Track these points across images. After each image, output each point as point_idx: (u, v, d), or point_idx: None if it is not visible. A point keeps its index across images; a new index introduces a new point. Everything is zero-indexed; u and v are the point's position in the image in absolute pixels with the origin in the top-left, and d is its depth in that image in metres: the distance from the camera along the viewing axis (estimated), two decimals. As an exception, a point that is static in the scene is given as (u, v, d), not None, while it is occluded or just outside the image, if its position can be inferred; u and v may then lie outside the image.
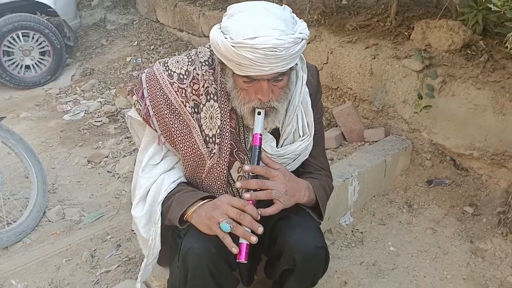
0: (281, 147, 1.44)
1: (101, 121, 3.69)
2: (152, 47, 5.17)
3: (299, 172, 1.51)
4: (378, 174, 2.41)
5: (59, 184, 2.86)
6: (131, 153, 3.14)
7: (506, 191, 2.38)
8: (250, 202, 1.23)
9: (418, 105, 2.57)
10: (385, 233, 2.26)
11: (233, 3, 1.28)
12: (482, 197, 2.42)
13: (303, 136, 1.46)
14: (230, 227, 1.17)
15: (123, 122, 3.72)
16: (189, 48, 4.87)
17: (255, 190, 1.25)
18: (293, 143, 1.44)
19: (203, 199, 1.28)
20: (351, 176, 2.22)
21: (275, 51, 1.15)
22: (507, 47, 2.56)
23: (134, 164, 1.51)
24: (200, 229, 1.23)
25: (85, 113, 3.89)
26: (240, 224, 1.19)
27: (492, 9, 2.04)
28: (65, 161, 3.16)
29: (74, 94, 4.38)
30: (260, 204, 1.25)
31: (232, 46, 1.16)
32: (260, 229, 1.19)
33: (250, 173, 1.27)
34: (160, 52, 5.03)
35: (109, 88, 4.46)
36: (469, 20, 2.59)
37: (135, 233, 2.35)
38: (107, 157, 3.11)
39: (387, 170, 2.44)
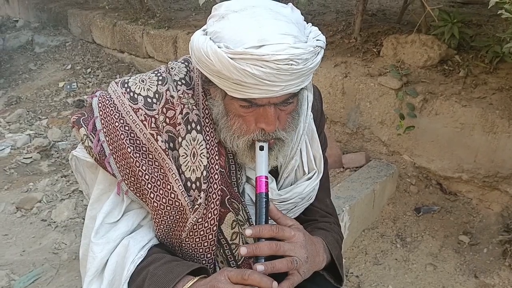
0: (280, 189, 1.10)
1: (31, 157, 3.18)
2: (88, 70, 4.67)
3: (301, 220, 1.16)
4: (367, 206, 2.13)
5: (-21, 240, 2.32)
6: (70, 196, 2.64)
7: (501, 216, 2.19)
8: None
9: (401, 126, 2.35)
10: (382, 274, 1.97)
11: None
12: (476, 224, 2.21)
13: (308, 173, 1.13)
14: None
15: (58, 157, 3.20)
16: (132, 71, 4.41)
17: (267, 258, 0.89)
18: (294, 183, 1.11)
19: (193, 273, 0.90)
20: (342, 211, 1.91)
21: (292, 64, 0.82)
22: (483, 61, 2.45)
23: (83, 221, 1.09)
24: None
25: (11, 148, 3.39)
26: None
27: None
28: (-14, 209, 2.60)
29: (-3, 127, 3.79)
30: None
31: (231, 59, 0.81)
32: None
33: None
34: (98, 75, 4.54)
35: (39, 118, 3.91)
36: (445, 33, 2.43)
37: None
38: (40, 202, 2.61)
39: (375, 200, 2.17)
